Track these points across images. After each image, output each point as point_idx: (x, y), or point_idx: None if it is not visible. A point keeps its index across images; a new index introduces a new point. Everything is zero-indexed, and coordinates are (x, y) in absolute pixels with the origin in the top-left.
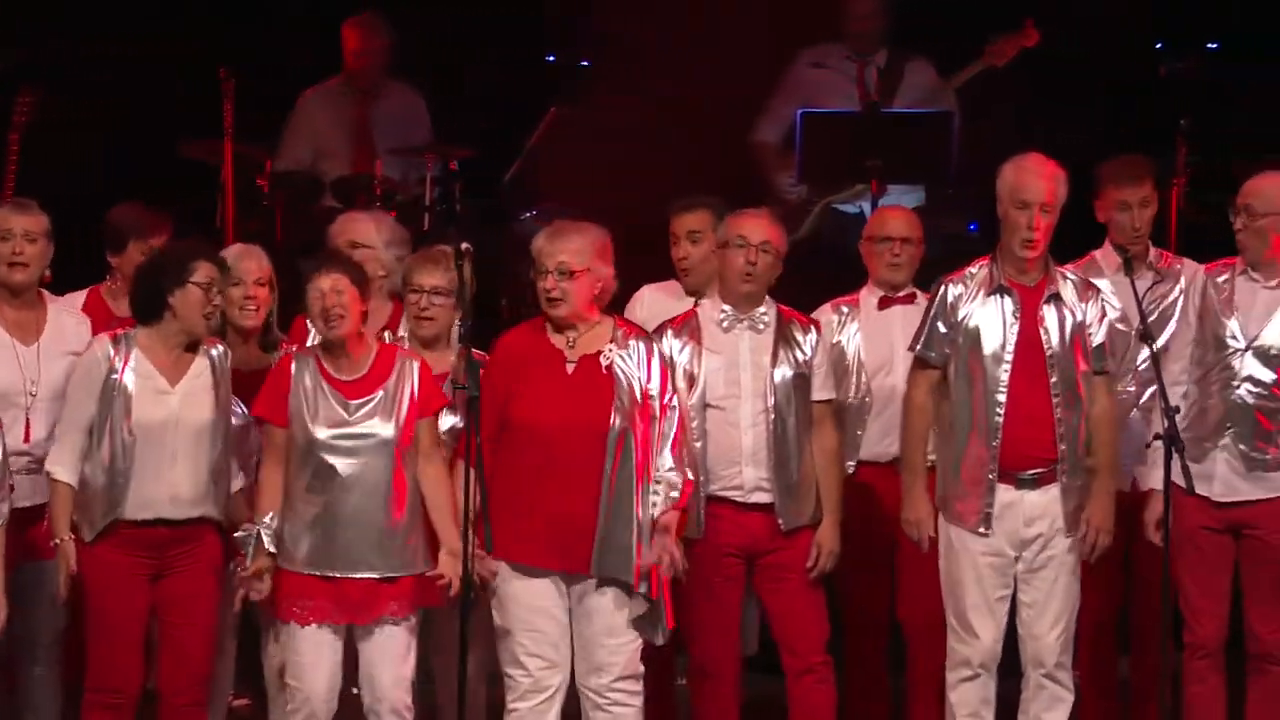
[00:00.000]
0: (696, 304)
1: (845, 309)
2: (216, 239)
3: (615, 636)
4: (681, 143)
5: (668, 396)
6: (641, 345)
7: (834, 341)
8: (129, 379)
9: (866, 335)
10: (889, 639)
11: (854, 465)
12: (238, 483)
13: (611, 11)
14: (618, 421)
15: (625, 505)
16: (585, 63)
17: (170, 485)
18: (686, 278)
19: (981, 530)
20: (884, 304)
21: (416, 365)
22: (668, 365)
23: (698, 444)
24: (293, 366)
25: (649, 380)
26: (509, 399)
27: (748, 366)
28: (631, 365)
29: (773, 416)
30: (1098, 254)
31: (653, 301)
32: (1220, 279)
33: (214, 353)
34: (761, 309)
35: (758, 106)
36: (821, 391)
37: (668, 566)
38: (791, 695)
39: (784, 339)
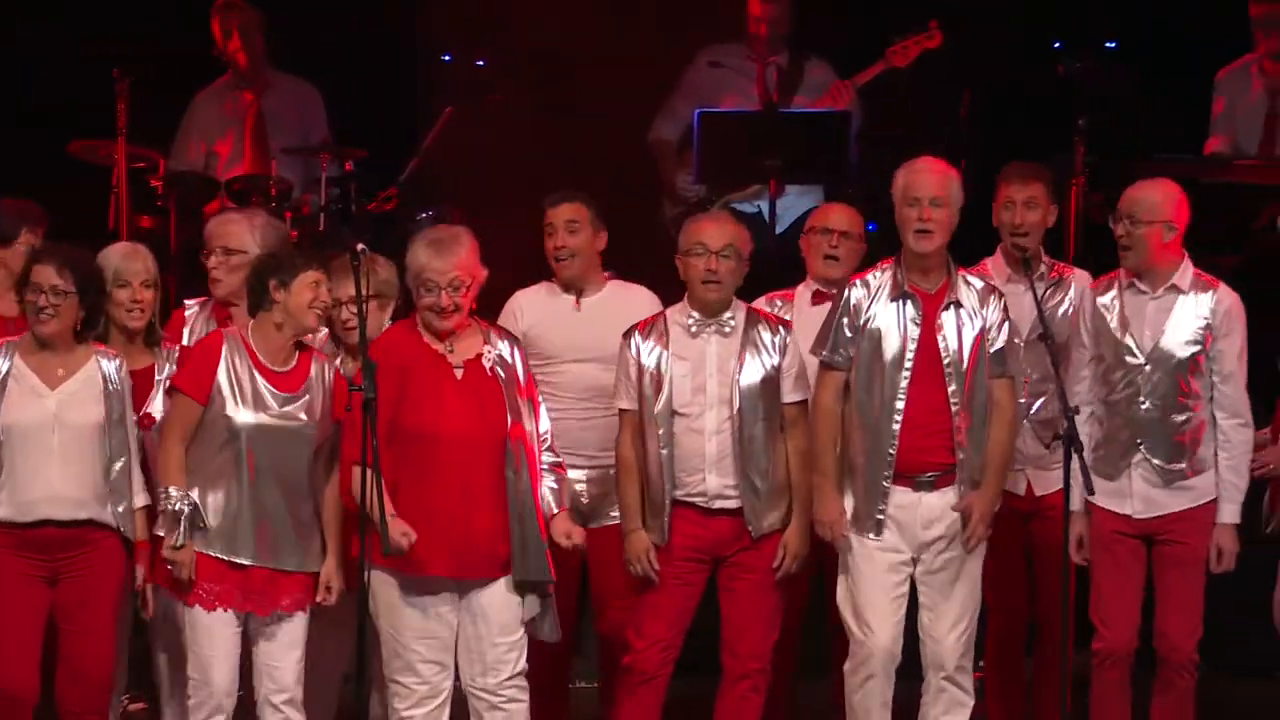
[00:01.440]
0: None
1: (780, 302)
2: (109, 240)
3: (507, 636)
4: (579, 142)
5: (539, 397)
6: (507, 343)
7: None
8: (6, 383)
9: (799, 330)
10: (798, 641)
11: None
12: (139, 500)
13: (508, 10)
14: (511, 423)
15: (531, 506)
16: (481, 62)
17: (48, 485)
18: (564, 269)
19: (871, 536)
20: (818, 299)
21: (331, 370)
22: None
23: (664, 451)
24: (223, 346)
25: (522, 378)
26: (397, 404)
27: (714, 374)
28: (508, 365)
29: (738, 423)
30: (989, 262)
31: (531, 306)
32: (1108, 297)
33: (109, 364)
34: (728, 314)
35: (656, 105)
36: (793, 393)
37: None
38: (722, 698)
39: (751, 343)
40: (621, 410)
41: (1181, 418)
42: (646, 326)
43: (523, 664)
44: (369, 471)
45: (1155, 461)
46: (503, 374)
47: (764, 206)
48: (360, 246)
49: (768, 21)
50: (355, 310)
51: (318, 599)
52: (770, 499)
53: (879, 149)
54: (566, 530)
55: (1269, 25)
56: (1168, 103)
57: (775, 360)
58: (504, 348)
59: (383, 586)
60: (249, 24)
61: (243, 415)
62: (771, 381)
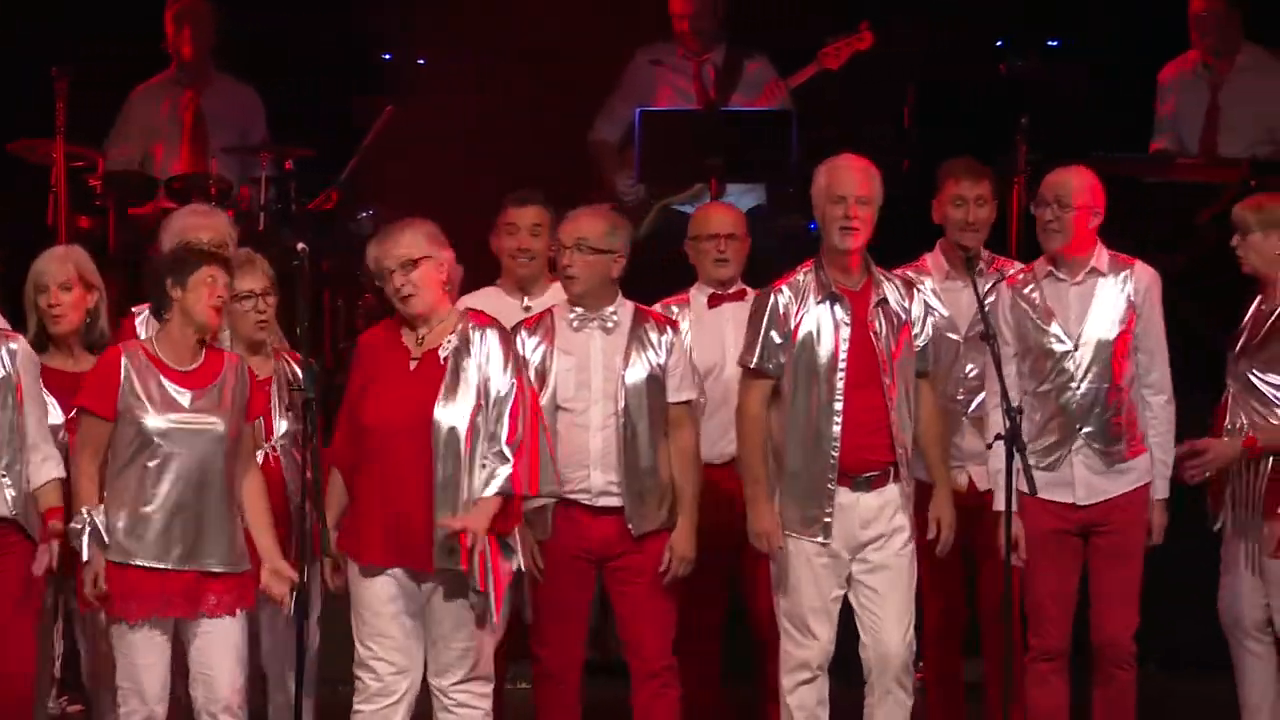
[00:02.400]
0: (553, 307)
1: (675, 309)
2: (48, 239)
3: (459, 635)
4: (519, 141)
5: (508, 387)
6: (490, 334)
7: None
8: None
9: (697, 335)
10: (722, 642)
11: None
12: (49, 470)
13: (448, 9)
14: (445, 414)
15: (453, 497)
16: (421, 61)
17: None
18: (522, 269)
19: (821, 540)
20: (714, 302)
21: (245, 368)
22: (519, 356)
23: None
24: (122, 360)
25: (490, 369)
26: (360, 399)
27: (598, 368)
28: (474, 356)
29: (623, 420)
30: (929, 258)
31: (485, 309)
32: (1027, 289)
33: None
34: (611, 309)
35: (596, 104)
36: (679, 393)
37: (472, 540)
38: (636, 700)
39: (637, 340)
40: None
41: (1115, 398)
42: (534, 322)
43: (485, 668)
44: (310, 471)
45: (1096, 446)
46: (458, 365)
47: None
48: (301, 246)
49: (689, 18)
50: (253, 305)
51: (280, 605)
52: (654, 498)
53: (823, 147)
54: (455, 522)
55: (1208, 23)
56: (1111, 101)
57: (661, 359)
58: (479, 336)
59: (351, 583)
60: (202, 20)
61: (153, 420)
62: (657, 380)
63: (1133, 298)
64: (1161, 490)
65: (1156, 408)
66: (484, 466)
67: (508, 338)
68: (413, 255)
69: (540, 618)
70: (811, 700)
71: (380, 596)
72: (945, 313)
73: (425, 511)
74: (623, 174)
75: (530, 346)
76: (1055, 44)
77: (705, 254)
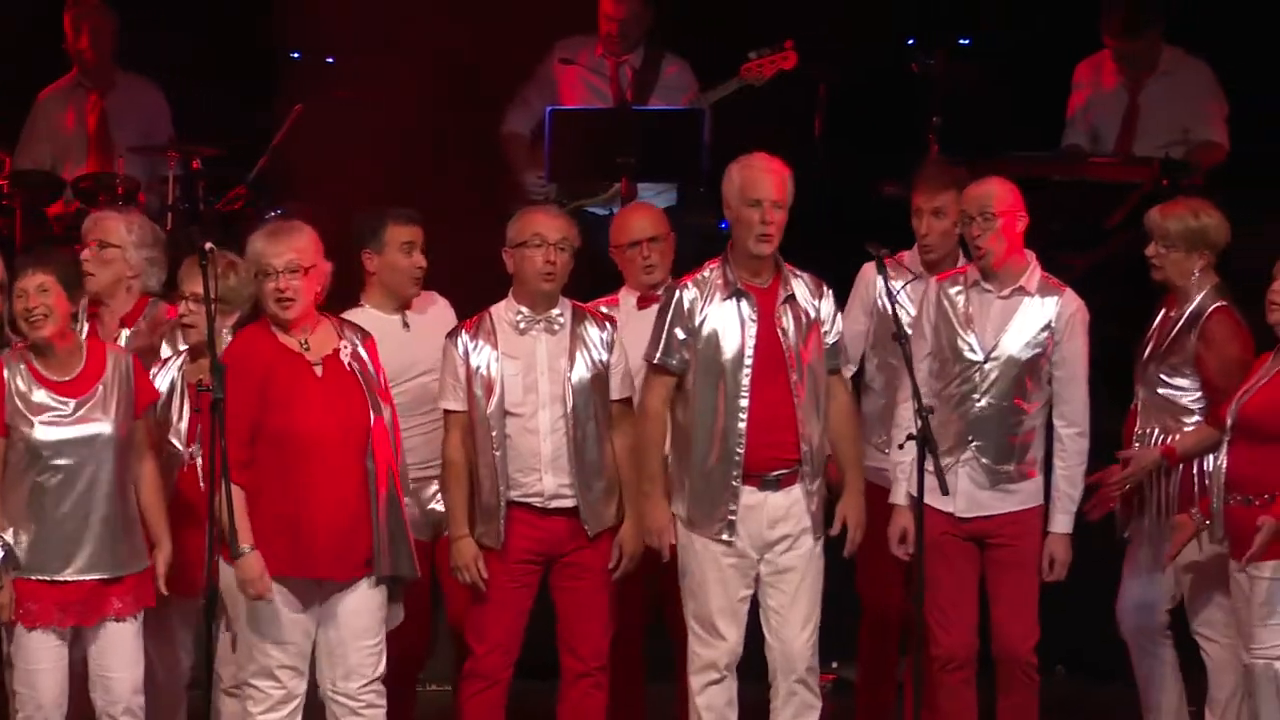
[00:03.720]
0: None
1: (604, 310)
2: None
3: (369, 639)
4: (428, 139)
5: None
6: (359, 337)
7: None
8: None
9: (627, 336)
10: (645, 643)
11: None
12: None
13: (355, 7)
14: (372, 420)
15: (395, 503)
16: (330, 60)
17: None
18: (418, 287)
19: (725, 538)
20: (644, 303)
21: (130, 361)
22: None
23: (497, 452)
24: (4, 372)
25: (378, 375)
26: (258, 406)
27: (545, 371)
28: (364, 361)
29: (572, 421)
30: (906, 255)
31: (366, 320)
32: (953, 290)
33: None
34: (556, 310)
35: (505, 101)
36: (620, 390)
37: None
38: (564, 699)
39: (580, 340)
40: (447, 412)
41: (1015, 418)
42: (473, 326)
43: (382, 668)
44: (218, 475)
45: (984, 460)
46: (359, 368)
47: (616, 210)
48: (208, 245)
49: (619, 21)
50: (196, 307)
51: (162, 590)
52: (604, 497)
53: (735, 145)
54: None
55: (1128, 56)
56: (1022, 100)
57: (603, 356)
58: (358, 341)
59: (241, 591)
60: (100, 22)
61: (39, 432)
62: (601, 378)
63: (1054, 323)
64: (1062, 525)
65: (1066, 439)
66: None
67: (374, 342)
68: (303, 262)
69: (482, 620)
70: (720, 701)
71: (288, 603)
72: (912, 311)
73: (353, 520)
74: (533, 171)
75: (474, 351)
76: (966, 42)
77: (631, 261)
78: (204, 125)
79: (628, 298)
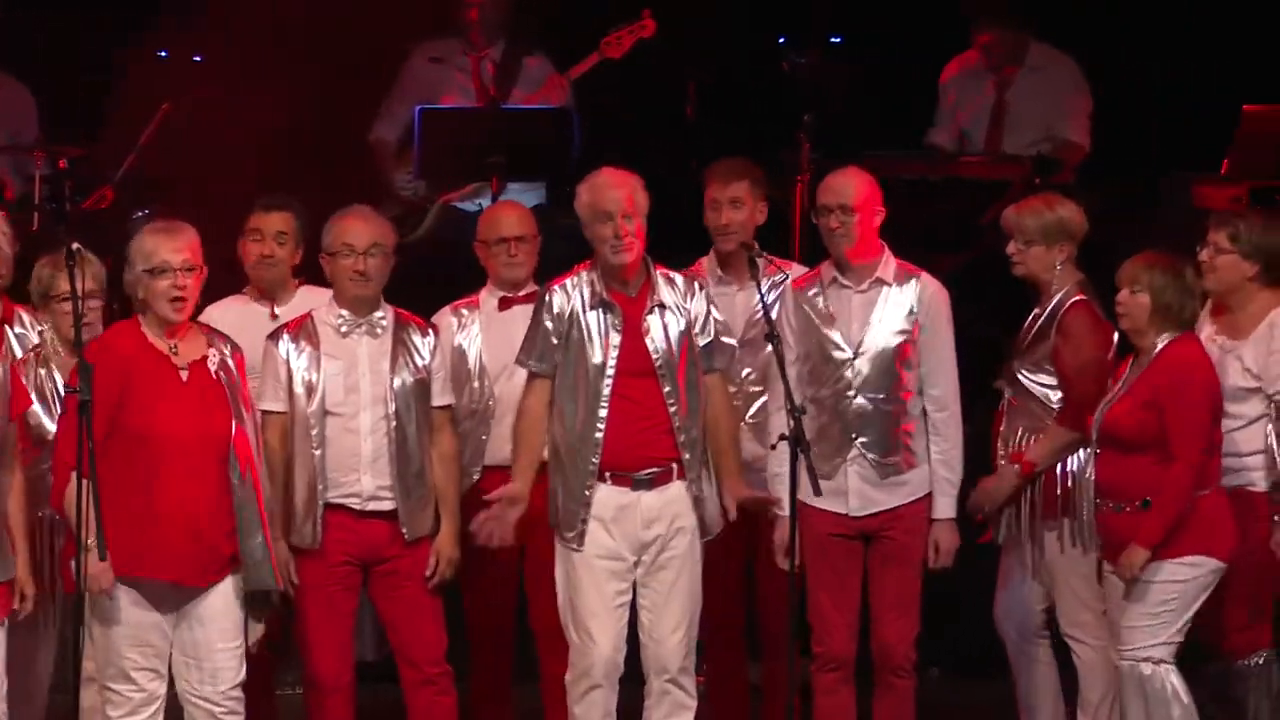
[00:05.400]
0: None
1: (465, 311)
2: None
3: (230, 642)
4: (298, 138)
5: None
6: (229, 347)
7: (455, 345)
8: None
9: (488, 338)
10: (515, 647)
11: (480, 471)
12: None
13: (223, 5)
14: (235, 429)
15: (253, 513)
16: (198, 58)
17: None
18: (266, 277)
19: (575, 546)
20: (504, 305)
21: (6, 368)
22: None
23: (317, 451)
24: None
25: (243, 385)
26: (117, 406)
27: (367, 373)
28: (230, 369)
29: (393, 424)
30: (704, 262)
31: (225, 321)
32: (811, 292)
33: None
34: (379, 313)
35: (375, 101)
36: (441, 397)
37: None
38: (411, 706)
39: (402, 344)
40: (265, 413)
41: (893, 409)
42: (295, 328)
43: (243, 673)
44: (84, 476)
45: (870, 456)
46: (226, 378)
47: (484, 205)
48: (75, 245)
49: (479, 7)
50: (90, 305)
51: (15, 606)
52: (424, 502)
53: (605, 147)
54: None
55: (995, 50)
56: (894, 98)
57: (425, 361)
58: (227, 350)
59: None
60: None
61: None
62: (423, 384)
63: (916, 309)
64: (946, 509)
65: (939, 423)
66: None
67: (241, 354)
68: (196, 262)
69: (307, 625)
70: (598, 707)
71: (145, 606)
72: (720, 317)
73: (212, 524)
74: (401, 172)
75: (295, 352)
76: (838, 40)
77: (495, 257)
78: (70, 124)
79: (489, 299)
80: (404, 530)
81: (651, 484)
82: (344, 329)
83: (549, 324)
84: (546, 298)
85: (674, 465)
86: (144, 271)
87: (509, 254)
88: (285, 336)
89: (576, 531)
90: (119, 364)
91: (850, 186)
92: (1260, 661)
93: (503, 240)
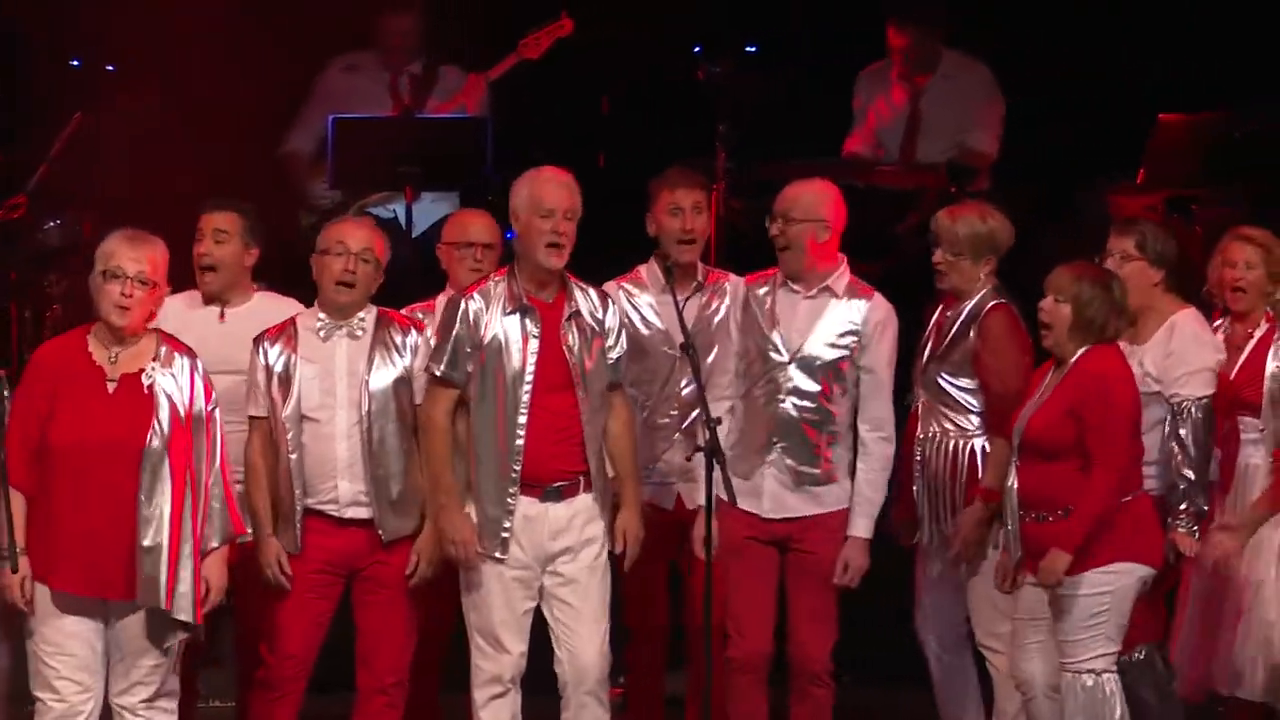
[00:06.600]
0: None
1: (420, 314)
2: None
3: (151, 656)
4: (210, 148)
5: (207, 419)
6: (186, 361)
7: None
8: None
9: None
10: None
11: None
12: None
13: (136, 15)
14: (155, 444)
15: (158, 532)
16: (111, 68)
17: None
18: (205, 279)
19: (497, 555)
20: None
21: None
22: (210, 382)
23: (293, 456)
24: None
25: (192, 399)
26: (49, 419)
27: (343, 376)
28: (174, 384)
29: (368, 426)
30: (643, 269)
31: (170, 316)
32: (761, 290)
33: None
34: (361, 315)
35: (288, 110)
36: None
37: (215, 594)
38: (358, 715)
39: (382, 344)
40: (252, 418)
41: (819, 419)
42: (277, 332)
43: (170, 684)
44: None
45: (789, 462)
46: (163, 393)
47: (399, 211)
48: None
49: (400, 34)
50: None
51: None
52: (403, 505)
53: (519, 155)
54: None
55: (908, 55)
56: (809, 106)
57: (407, 361)
58: (181, 365)
59: (35, 602)
60: None
61: None
62: (405, 383)
63: (861, 327)
64: (862, 529)
65: (870, 443)
66: (212, 507)
67: (200, 363)
68: (152, 276)
69: (276, 628)
70: (505, 714)
71: (69, 617)
72: (661, 326)
73: (126, 540)
74: (317, 182)
75: (273, 355)
76: (753, 49)
77: (461, 261)
78: None
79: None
80: (380, 532)
81: (560, 495)
82: (323, 333)
83: (462, 331)
84: (462, 304)
85: (581, 477)
86: (100, 272)
87: (475, 259)
88: (266, 340)
89: (499, 540)
90: (50, 375)
91: (796, 199)
92: (1142, 656)
93: (470, 245)
